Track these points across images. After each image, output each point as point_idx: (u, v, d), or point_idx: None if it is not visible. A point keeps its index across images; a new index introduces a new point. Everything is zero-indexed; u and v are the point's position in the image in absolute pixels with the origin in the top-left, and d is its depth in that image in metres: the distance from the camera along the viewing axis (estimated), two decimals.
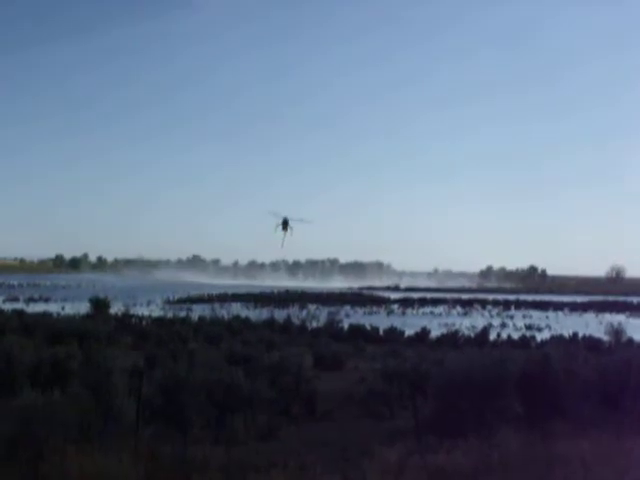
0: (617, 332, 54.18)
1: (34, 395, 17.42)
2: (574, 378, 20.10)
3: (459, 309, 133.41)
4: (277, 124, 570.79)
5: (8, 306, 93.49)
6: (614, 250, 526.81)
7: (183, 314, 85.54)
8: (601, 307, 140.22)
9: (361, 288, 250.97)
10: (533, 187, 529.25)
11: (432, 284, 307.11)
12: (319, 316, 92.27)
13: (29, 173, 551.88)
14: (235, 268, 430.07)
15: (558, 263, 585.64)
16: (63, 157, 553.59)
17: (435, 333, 64.05)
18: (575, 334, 62.80)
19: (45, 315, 66.48)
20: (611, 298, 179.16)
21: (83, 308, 77.20)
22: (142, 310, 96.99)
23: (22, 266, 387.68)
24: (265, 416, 20.45)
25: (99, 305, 67.98)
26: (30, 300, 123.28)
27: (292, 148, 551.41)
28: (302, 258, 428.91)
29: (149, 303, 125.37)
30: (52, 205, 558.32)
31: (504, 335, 67.44)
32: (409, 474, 13.98)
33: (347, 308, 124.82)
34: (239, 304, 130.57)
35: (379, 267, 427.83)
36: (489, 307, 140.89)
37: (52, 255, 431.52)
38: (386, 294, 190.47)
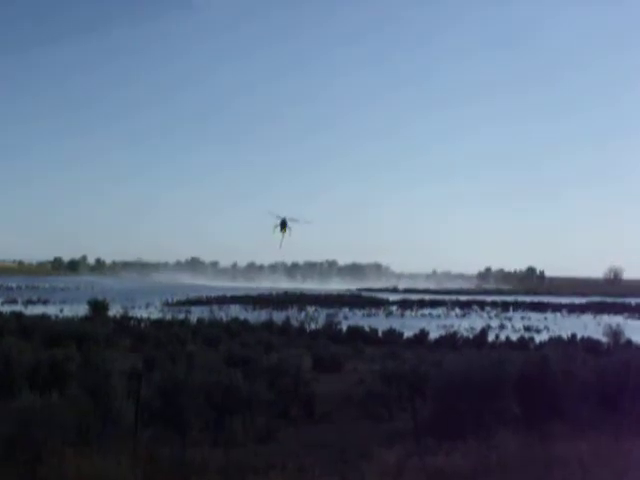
0: (615, 333, 54.24)
1: (32, 397, 17.38)
2: (572, 379, 20.12)
3: (458, 311, 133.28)
4: (277, 125, 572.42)
5: (6, 308, 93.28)
6: (612, 251, 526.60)
7: (182, 316, 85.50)
8: (599, 308, 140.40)
9: (360, 290, 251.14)
10: (531, 188, 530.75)
11: (431, 286, 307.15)
12: (318, 318, 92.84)
13: (28, 175, 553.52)
14: (234, 270, 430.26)
15: (556, 264, 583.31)
16: (62, 159, 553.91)
17: (434, 335, 64.02)
18: (573, 335, 62.86)
19: (43, 317, 66.27)
20: (609, 299, 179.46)
21: (82, 310, 77.13)
22: (141, 312, 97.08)
23: (21, 268, 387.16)
24: (264, 418, 20.44)
25: (98, 307, 67.98)
26: (28, 302, 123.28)
27: (291, 149, 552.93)
28: (301, 260, 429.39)
29: (148, 305, 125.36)
30: (51, 207, 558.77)
31: (502, 336, 67.45)
32: (408, 476, 13.98)
33: (346, 310, 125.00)
34: (237, 306, 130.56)
35: (378, 269, 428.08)
36: (487, 308, 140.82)
37: (51, 257, 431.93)
38: (385, 296, 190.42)
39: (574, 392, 19.66)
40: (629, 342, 52.11)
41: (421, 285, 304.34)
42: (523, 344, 56.62)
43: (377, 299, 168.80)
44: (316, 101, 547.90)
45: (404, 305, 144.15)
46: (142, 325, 65.88)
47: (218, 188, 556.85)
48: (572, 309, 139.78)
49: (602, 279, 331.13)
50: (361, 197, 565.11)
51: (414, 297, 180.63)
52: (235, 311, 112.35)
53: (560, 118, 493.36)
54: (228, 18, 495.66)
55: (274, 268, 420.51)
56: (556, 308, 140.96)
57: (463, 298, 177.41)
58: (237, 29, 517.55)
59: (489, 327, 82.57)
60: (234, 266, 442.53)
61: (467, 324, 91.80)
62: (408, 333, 64.62)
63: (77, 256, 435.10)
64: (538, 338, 65.46)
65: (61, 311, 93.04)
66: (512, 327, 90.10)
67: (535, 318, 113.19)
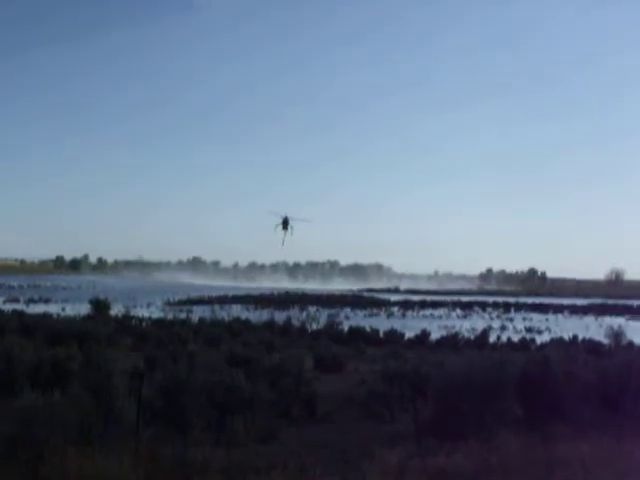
0: (617, 335, 54.20)
1: (34, 396, 17.41)
2: (574, 381, 20.11)
3: (459, 311, 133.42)
4: (277, 125, 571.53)
5: (8, 307, 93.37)
6: (614, 253, 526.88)
7: (183, 316, 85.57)
8: (601, 310, 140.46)
9: (361, 290, 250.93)
10: (533, 189, 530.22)
11: (432, 286, 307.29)
12: (319, 318, 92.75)
13: (30, 174, 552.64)
14: (235, 270, 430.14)
15: (558, 266, 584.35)
16: (64, 159, 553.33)
17: (435, 335, 64.11)
18: (575, 337, 62.92)
19: (45, 316, 66.53)
20: (611, 301, 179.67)
21: (83, 309, 77.25)
22: (142, 312, 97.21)
23: (22, 267, 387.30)
24: (265, 418, 20.45)
25: (99, 306, 68.05)
26: (30, 301, 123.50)
27: (293, 149, 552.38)
28: (302, 260, 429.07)
29: (149, 305, 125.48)
30: (53, 206, 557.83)
31: (504, 337, 67.63)
32: (409, 476, 13.99)
33: (347, 310, 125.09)
34: (239, 306, 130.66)
35: (379, 269, 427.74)
36: (489, 309, 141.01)
37: (52, 256, 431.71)
38: (386, 296, 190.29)
39: (576, 393, 19.66)
40: (631, 343, 51.99)
41: (423, 286, 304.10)
42: (524, 345, 56.71)
43: (379, 299, 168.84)
44: (317, 101, 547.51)
45: (405, 306, 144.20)
46: (144, 324, 65.97)
47: (219, 188, 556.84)
48: (574, 310, 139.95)
49: (604, 280, 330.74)
50: (363, 198, 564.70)
51: (415, 298, 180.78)
52: (237, 311, 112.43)
53: (561, 119, 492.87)
54: (228, 18, 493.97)
55: (276, 268, 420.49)
56: (558, 309, 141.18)
57: (465, 299, 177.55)
58: (237, 29, 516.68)
59: (490, 328, 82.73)
60: (235, 266, 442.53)
61: (468, 325, 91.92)
62: (409, 334, 64.66)
63: (79, 255, 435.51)
64: (539, 339, 65.59)
65: (63, 310, 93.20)
66: (513, 328, 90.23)
67: (537, 319, 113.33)
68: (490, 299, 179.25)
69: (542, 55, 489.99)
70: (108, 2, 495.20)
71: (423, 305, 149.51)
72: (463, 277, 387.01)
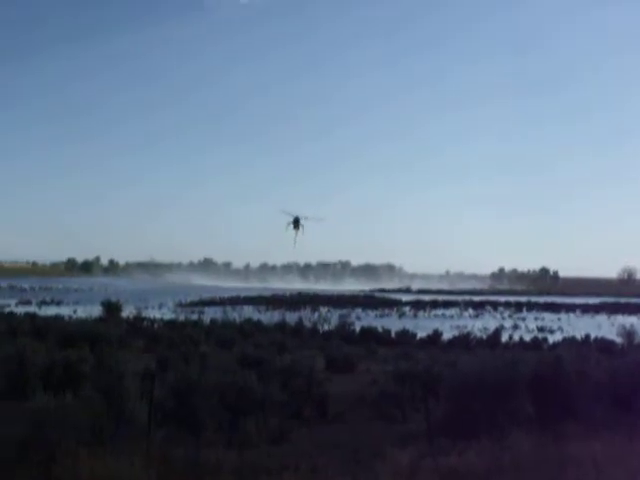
0: (629, 334, 53.94)
1: (46, 398, 17.52)
2: (586, 380, 20.07)
3: (471, 311, 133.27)
4: (290, 126, 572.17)
5: (20, 309, 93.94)
6: (626, 252, 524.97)
7: (195, 317, 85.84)
8: (613, 309, 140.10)
9: (373, 290, 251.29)
10: (545, 189, 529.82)
11: (444, 286, 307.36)
12: (331, 319, 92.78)
13: (41, 177, 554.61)
14: (247, 271, 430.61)
15: (570, 265, 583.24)
16: (76, 161, 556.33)
17: (447, 335, 64.03)
18: (587, 336, 62.81)
19: (57, 318, 66.71)
20: (623, 300, 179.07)
21: (95, 311, 77.37)
22: (154, 313, 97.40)
23: (34, 269, 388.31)
24: (277, 419, 20.44)
25: (111, 308, 68.17)
26: (42, 303, 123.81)
27: (305, 150, 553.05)
28: (314, 260, 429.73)
29: (161, 306, 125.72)
30: (64, 209, 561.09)
31: (516, 337, 67.37)
32: (421, 476, 13.97)
33: (359, 311, 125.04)
34: (251, 307, 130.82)
35: (391, 269, 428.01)
36: (501, 309, 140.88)
37: (64, 258, 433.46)
38: (398, 296, 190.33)
39: (587, 392, 19.62)
40: None
41: (434, 286, 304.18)
42: (537, 344, 56.57)
43: (390, 300, 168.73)
44: (330, 102, 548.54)
45: (417, 306, 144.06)
46: (155, 326, 66.03)
47: (231, 189, 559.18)
48: (586, 309, 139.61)
49: (616, 279, 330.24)
50: (374, 198, 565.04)
51: (427, 298, 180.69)
52: (248, 312, 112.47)
53: (574, 120, 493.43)
54: (239, 20, 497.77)
55: (287, 269, 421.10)
56: (570, 308, 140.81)
57: (476, 299, 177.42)
58: (249, 31, 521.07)
59: (502, 327, 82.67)
60: (247, 267, 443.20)
61: (480, 324, 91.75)
62: (421, 334, 64.64)
63: (90, 257, 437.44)
64: (552, 338, 65.34)
65: (75, 312, 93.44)
66: (525, 327, 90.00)
67: (549, 318, 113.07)
68: (502, 298, 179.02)
69: (555, 57, 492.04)
70: (115, 4, 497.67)
71: (435, 305, 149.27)
72: (475, 277, 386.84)
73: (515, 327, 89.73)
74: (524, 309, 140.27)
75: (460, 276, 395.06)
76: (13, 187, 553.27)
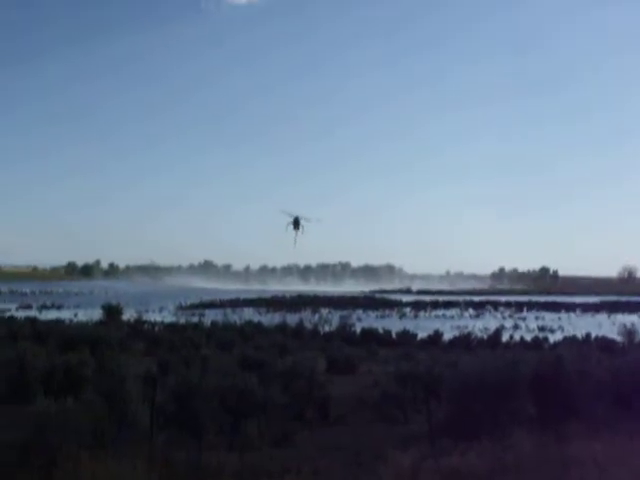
0: (630, 332, 53.97)
1: (47, 402, 17.49)
2: (587, 379, 20.07)
3: (471, 311, 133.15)
4: (290, 127, 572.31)
5: (21, 313, 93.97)
6: (626, 250, 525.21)
7: (195, 320, 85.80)
8: (613, 307, 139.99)
9: (373, 291, 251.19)
10: (545, 189, 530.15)
11: (444, 286, 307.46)
12: (331, 320, 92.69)
13: (41, 181, 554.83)
14: (247, 273, 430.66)
15: (570, 264, 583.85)
16: (74, 165, 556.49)
17: (448, 336, 63.88)
18: (588, 335, 62.74)
19: (58, 322, 66.66)
20: (623, 298, 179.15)
21: (96, 315, 77.26)
22: (154, 316, 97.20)
23: (34, 273, 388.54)
24: (278, 421, 20.43)
25: (111, 312, 68.15)
26: (43, 307, 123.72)
27: (305, 151, 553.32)
28: (314, 262, 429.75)
29: (161, 309, 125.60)
30: (64, 212, 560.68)
31: (517, 337, 67.23)
32: (423, 477, 13.96)
33: (359, 312, 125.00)
34: (251, 309, 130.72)
35: (391, 270, 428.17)
36: (501, 309, 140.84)
37: (64, 262, 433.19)
38: (398, 297, 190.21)
39: (589, 392, 19.62)
40: None
41: (434, 286, 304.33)
42: (537, 344, 56.44)
43: (390, 300, 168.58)
44: (330, 103, 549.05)
45: (417, 306, 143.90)
46: (156, 329, 65.89)
47: (231, 190, 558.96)
48: (586, 308, 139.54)
49: (616, 278, 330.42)
50: (374, 199, 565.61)
51: (427, 298, 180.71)
52: (249, 314, 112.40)
53: (574, 120, 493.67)
54: (240, 22, 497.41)
55: (287, 271, 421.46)
56: (570, 308, 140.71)
57: (477, 299, 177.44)
58: (250, 33, 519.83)
59: (503, 327, 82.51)
60: (247, 269, 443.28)
61: (481, 325, 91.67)
62: (422, 334, 64.52)
63: (90, 261, 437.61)
64: (552, 338, 65.24)
65: (75, 316, 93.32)
66: (526, 327, 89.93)
67: (549, 318, 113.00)
68: (502, 298, 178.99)
69: (555, 58, 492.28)
70: (115, 6, 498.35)
71: (435, 305, 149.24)
72: (475, 277, 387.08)
73: (516, 327, 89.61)
74: (524, 309, 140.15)
75: (460, 276, 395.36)
76: (13, 190, 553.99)
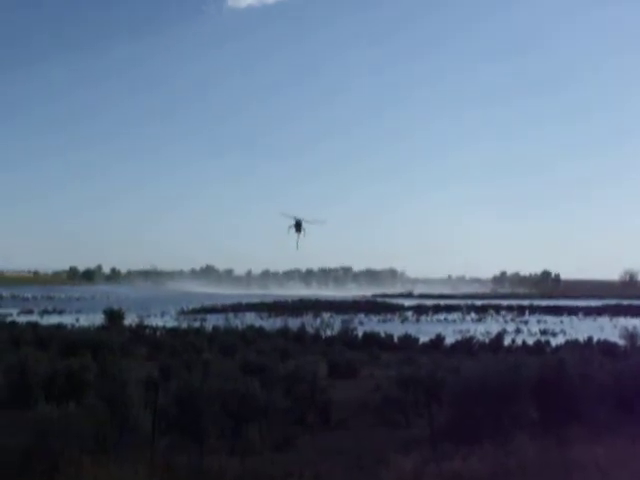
0: (632, 336, 53.94)
1: (49, 407, 17.45)
2: (589, 383, 20.04)
3: (473, 315, 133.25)
4: (291, 130, 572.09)
5: (22, 318, 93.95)
6: (628, 254, 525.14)
7: (197, 324, 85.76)
8: (615, 311, 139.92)
9: (375, 296, 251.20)
10: (546, 191, 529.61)
11: (446, 291, 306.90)
12: (333, 324, 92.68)
13: (43, 185, 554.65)
14: (248, 278, 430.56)
15: (572, 267, 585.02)
16: (76, 169, 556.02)
17: (450, 340, 63.89)
18: (590, 339, 62.72)
19: (59, 327, 66.61)
20: (625, 302, 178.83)
21: (97, 320, 77.28)
22: (156, 321, 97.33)
23: (36, 278, 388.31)
24: (280, 426, 20.41)
25: (113, 316, 68.11)
26: (44, 312, 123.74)
27: (306, 154, 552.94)
28: (315, 266, 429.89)
29: (163, 314, 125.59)
30: (66, 217, 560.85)
31: (519, 341, 67.33)
32: None
33: (361, 316, 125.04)
34: (253, 314, 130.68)
35: (392, 274, 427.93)
36: (503, 313, 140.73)
37: (66, 267, 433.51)
38: (400, 301, 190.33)
39: (591, 395, 19.59)
40: None
41: (436, 290, 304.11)
42: (539, 348, 56.44)
43: (392, 305, 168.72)
44: (331, 105, 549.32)
45: (419, 310, 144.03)
46: (158, 334, 65.89)
47: (233, 195, 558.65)
48: (588, 312, 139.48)
49: (618, 281, 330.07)
50: (376, 202, 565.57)
51: (429, 302, 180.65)
52: (250, 319, 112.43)
53: (574, 120, 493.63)
54: (241, 26, 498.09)
55: (289, 275, 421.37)
56: (572, 311, 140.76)
57: (479, 303, 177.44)
58: (251, 36, 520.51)
59: (505, 331, 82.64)
60: (249, 274, 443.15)
61: (483, 329, 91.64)
62: (424, 338, 64.55)
63: (92, 265, 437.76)
64: (554, 342, 65.18)
65: (77, 321, 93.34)
66: (528, 331, 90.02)
67: (551, 321, 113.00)
68: (504, 302, 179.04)
69: (555, 59, 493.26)
70: (117, 12, 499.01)
71: (437, 309, 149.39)
72: (477, 280, 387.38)
73: (518, 331, 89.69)
74: (526, 312, 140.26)
75: (462, 280, 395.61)
76: (15, 195, 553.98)
